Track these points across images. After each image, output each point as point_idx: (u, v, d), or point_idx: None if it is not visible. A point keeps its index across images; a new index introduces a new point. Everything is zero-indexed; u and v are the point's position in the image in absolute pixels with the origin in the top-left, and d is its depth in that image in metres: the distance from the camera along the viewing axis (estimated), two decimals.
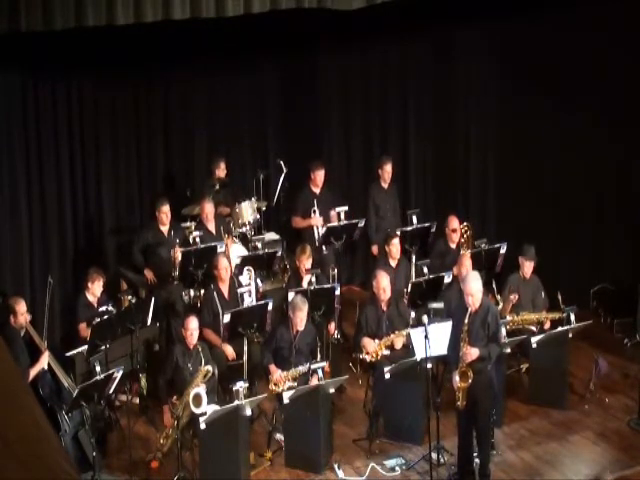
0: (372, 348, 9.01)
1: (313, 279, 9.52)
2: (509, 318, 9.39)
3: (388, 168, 11.04)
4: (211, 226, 10.43)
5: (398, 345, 9.04)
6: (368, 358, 9.04)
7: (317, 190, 10.89)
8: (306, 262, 9.72)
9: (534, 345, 9.14)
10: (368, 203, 11.05)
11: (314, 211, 10.72)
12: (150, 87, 11.12)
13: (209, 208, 10.36)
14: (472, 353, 7.78)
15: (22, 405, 5.27)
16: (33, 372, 8.18)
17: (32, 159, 10.24)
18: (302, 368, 8.60)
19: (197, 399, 8.10)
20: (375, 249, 10.84)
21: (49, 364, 8.33)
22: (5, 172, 10.02)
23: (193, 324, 8.67)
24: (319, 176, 10.84)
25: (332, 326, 9.63)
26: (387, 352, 9.01)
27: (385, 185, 11.13)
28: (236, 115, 11.73)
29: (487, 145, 11.91)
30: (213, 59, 11.03)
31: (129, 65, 10.49)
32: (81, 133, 10.63)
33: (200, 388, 8.18)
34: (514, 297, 9.53)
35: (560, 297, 9.34)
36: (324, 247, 10.46)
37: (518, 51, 11.26)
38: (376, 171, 11.18)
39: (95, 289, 9.37)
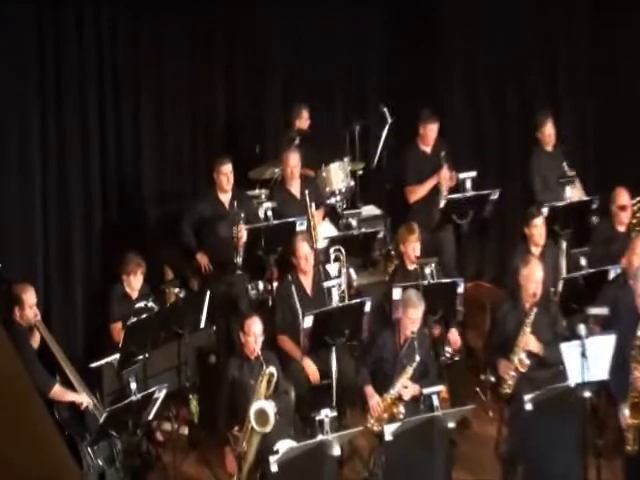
0: (506, 371, 8.89)
1: (427, 271, 9.48)
2: None
3: (548, 130, 11.08)
4: (295, 188, 10.56)
5: (533, 347, 8.86)
6: (506, 389, 8.95)
7: (428, 149, 11.05)
8: (415, 246, 9.73)
9: None
10: (531, 173, 11.01)
11: None
12: (207, 15, 11.27)
13: (294, 160, 10.48)
14: None
15: (30, 419, 5.40)
16: (66, 396, 8.29)
17: (49, 107, 10.34)
18: (395, 390, 8.59)
19: (261, 416, 8.18)
20: None
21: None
22: (14, 123, 10.16)
23: (256, 327, 8.67)
24: (431, 131, 11.02)
25: (454, 335, 9.61)
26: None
27: (549, 148, 11.19)
28: (323, 47, 11.93)
29: None
30: None
31: None
32: (114, 74, 10.81)
33: (263, 402, 8.26)
34: None
35: None
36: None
37: None
38: (534, 134, 11.19)
39: (133, 282, 9.50)
